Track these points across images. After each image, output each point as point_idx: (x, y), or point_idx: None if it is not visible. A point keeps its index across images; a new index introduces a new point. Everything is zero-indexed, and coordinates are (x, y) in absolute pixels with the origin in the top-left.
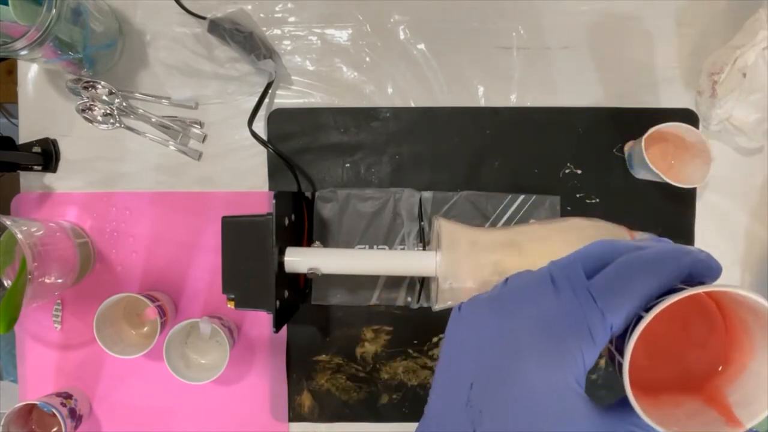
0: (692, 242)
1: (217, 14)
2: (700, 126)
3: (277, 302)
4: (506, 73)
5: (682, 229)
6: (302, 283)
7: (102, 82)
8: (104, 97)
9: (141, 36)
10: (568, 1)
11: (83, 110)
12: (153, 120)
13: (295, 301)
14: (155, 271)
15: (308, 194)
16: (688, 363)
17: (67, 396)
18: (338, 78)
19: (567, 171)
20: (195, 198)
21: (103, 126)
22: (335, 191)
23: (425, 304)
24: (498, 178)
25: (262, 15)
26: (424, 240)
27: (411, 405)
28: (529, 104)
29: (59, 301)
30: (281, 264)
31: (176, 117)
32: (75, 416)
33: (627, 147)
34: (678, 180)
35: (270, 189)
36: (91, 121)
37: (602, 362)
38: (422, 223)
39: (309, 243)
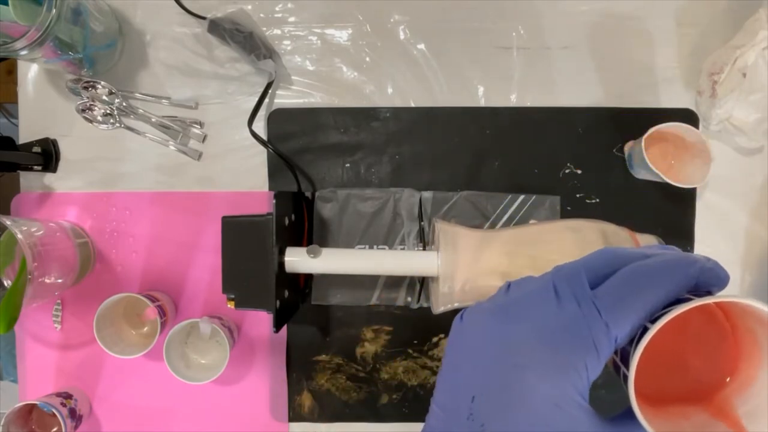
0: (692, 242)
1: (217, 14)
2: (700, 126)
3: (277, 302)
4: (506, 73)
5: (682, 229)
6: (302, 283)
7: (102, 82)
8: (104, 97)
9: (141, 36)
10: (568, 1)
11: (83, 110)
12: (153, 120)
13: (295, 301)
14: (155, 271)
15: (308, 194)
16: (695, 374)
17: (67, 396)
18: (338, 78)
19: (567, 171)
20: (195, 198)
21: (103, 126)
22: (335, 191)
23: (425, 304)
24: (498, 178)
25: (262, 15)
26: (424, 240)
27: (411, 405)
28: (529, 104)
29: (59, 301)
30: (281, 264)
31: (176, 117)
32: (75, 416)
33: (627, 147)
34: (678, 180)
35: (270, 189)
36: (91, 121)
37: None
38: (422, 223)
39: (309, 243)
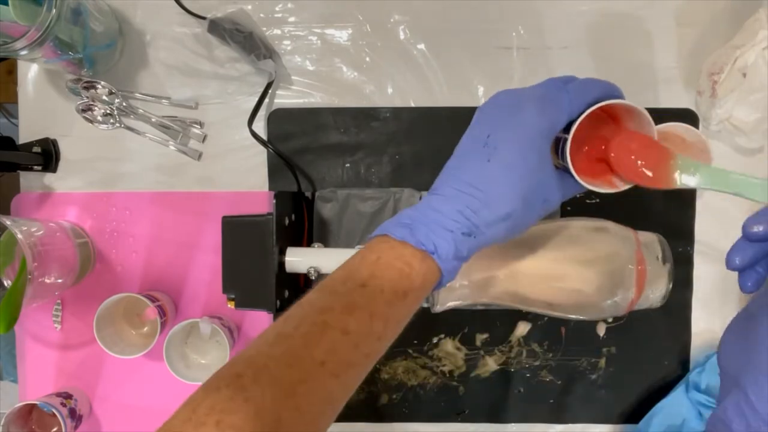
0: (692, 242)
1: (217, 14)
2: (700, 126)
3: (278, 302)
4: (506, 73)
5: (682, 229)
6: (302, 283)
7: (102, 82)
8: (104, 97)
9: (141, 36)
10: (568, 1)
11: (83, 110)
12: (153, 120)
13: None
14: (155, 271)
15: (308, 194)
16: (601, 159)
17: (67, 396)
18: (338, 78)
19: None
20: (195, 198)
21: (103, 126)
22: (335, 191)
23: (425, 304)
24: None
25: (262, 15)
26: None
27: (411, 405)
28: None
29: (59, 301)
30: (281, 264)
31: (176, 117)
32: (75, 416)
33: None
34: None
35: (270, 189)
36: (91, 121)
37: (602, 362)
38: None
39: (309, 243)
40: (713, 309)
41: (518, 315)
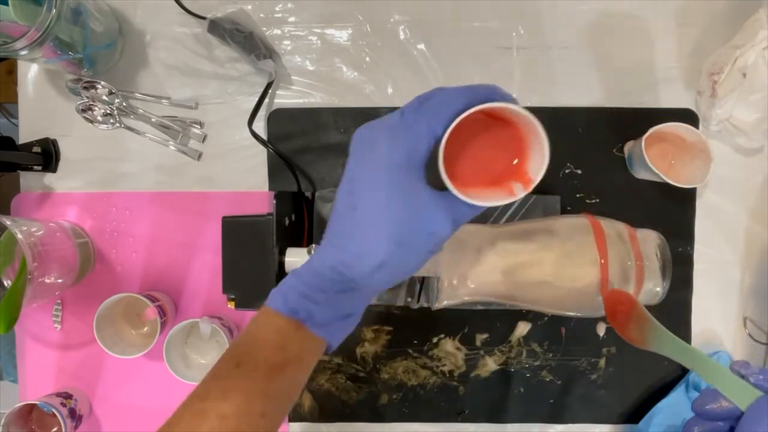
0: (692, 242)
1: (217, 14)
2: (700, 126)
3: None
4: (506, 73)
5: (682, 229)
6: None
7: (102, 82)
8: (104, 97)
9: (141, 36)
10: (568, 1)
11: (83, 110)
12: (153, 120)
13: None
14: (155, 271)
15: (308, 194)
16: (498, 165)
17: (67, 396)
18: (338, 78)
19: (567, 171)
20: (195, 198)
21: (103, 126)
22: (335, 191)
23: (425, 304)
24: None
25: (262, 15)
26: None
27: (411, 405)
28: (529, 104)
29: (59, 301)
30: (281, 264)
31: (176, 117)
32: (75, 416)
33: (627, 147)
34: (678, 180)
35: (270, 189)
36: (91, 121)
37: (602, 362)
38: None
39: (309, 243)
40: (713, 309)
41: (518, 315)
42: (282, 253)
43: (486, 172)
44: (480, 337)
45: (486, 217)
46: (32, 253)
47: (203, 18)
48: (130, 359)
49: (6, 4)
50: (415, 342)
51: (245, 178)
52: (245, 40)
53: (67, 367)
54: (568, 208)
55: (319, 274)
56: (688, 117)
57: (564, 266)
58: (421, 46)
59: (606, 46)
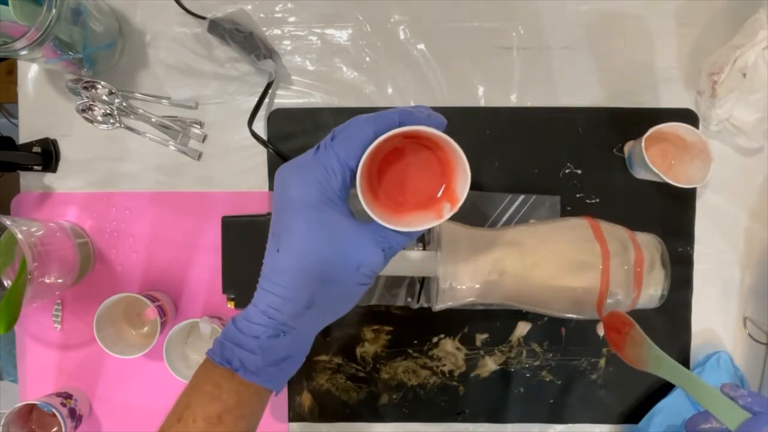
0: (692, 242)
1: (217, 14)
2: (700, 126)
3: None
4: (506, 73)
5: (682, 229)
6: None
7: (102, 82)
8: (104, 97)
9: (141, 36)
10: (568, 1)
11: (83, 110)
12: (153, 120)
13: None
14: (155, 271)
15: None
16: (429, 187)
17: (67, 396)
18: (338, 78)
19: (567, 171)
20: (195, 198)
21: (103, 126)
22: None
23: (425, 304)
24: (498, 178)
25: (262, 15)
26: (424, 240)
27: (411, 405)
28: (529, 104)
29: (59, 301)
30: None
31: (176, 117)
32: (75, 416)
33: (627, 147)
34: (678, 180)
35: (270, 189)
36: (91, 121)
37: (602, 362)
38: None
39: None
40: (713, 309)
41: (518, 315)
42: None
43: (418, 195)
44: (480, 337)
45: (485, 218)
46: (32, 253)
47: (203, 18)
48: (130, 359)
49: (6, 4)
50: (415, 342)
51: (245, 178)
52: (245, 40)
53: (67, 367)
54: (568, 208)
55: (251, 319)
56: (688, 117)
57: (564, 270)
58: (421, 46)
59: (606, 46)
